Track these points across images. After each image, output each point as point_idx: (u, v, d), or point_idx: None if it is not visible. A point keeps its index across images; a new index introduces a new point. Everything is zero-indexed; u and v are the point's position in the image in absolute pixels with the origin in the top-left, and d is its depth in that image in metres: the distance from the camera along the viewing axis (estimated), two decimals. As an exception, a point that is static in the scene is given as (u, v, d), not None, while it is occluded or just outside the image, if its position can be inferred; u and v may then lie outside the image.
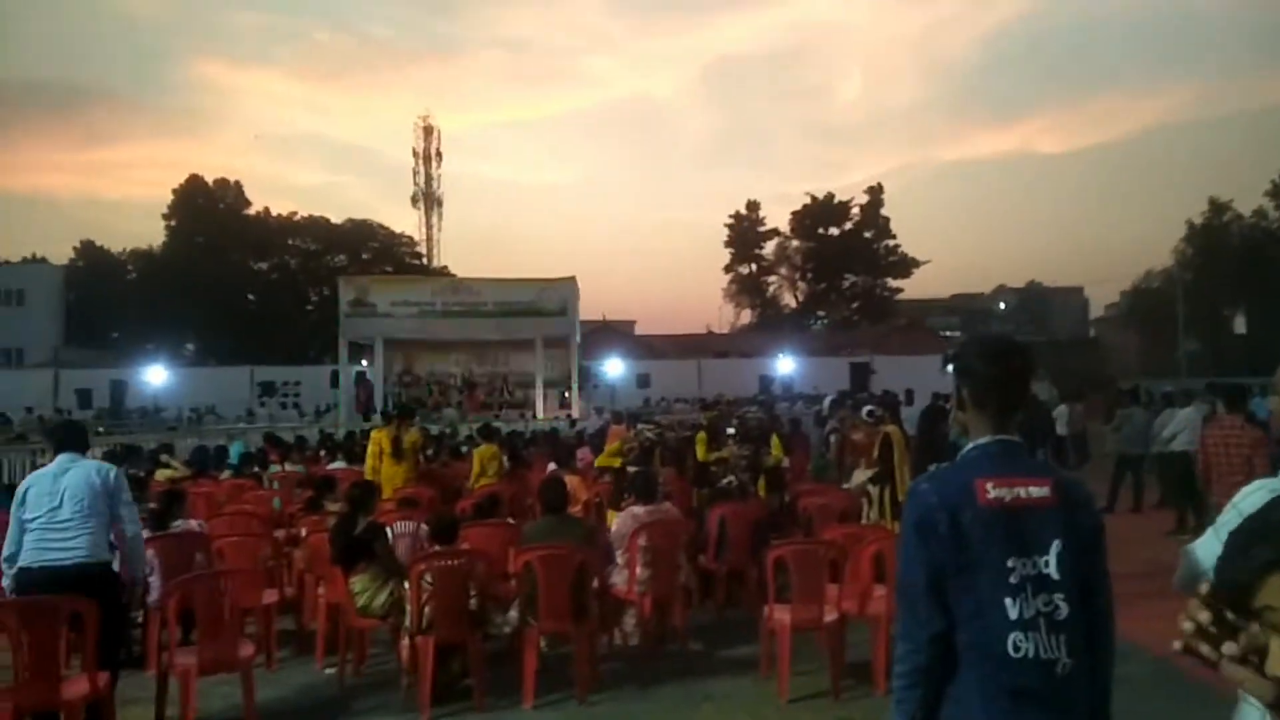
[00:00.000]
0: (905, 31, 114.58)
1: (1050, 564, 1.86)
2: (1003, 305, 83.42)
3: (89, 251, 56.38)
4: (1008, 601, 1.82)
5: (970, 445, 2.04)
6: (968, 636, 1.84)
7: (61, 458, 4.86)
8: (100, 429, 23.39)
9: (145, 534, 6.06)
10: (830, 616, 5.40)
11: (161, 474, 9.64)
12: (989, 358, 2.03)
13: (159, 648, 5.60)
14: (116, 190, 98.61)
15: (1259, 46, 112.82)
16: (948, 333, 58.65)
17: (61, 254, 57.30)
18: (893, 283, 64.74)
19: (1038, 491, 1.91)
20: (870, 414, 9.26)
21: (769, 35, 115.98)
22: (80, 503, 4.62)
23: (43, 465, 11.40)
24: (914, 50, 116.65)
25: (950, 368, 2.12)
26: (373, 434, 9.66)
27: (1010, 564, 1.84)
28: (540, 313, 24.15)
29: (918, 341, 42.24)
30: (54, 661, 4.22)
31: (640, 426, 10.10)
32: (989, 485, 1.89)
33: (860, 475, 8.75)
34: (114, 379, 31.50)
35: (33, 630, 4.14)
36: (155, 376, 31.40)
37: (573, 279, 24.94)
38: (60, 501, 4.60)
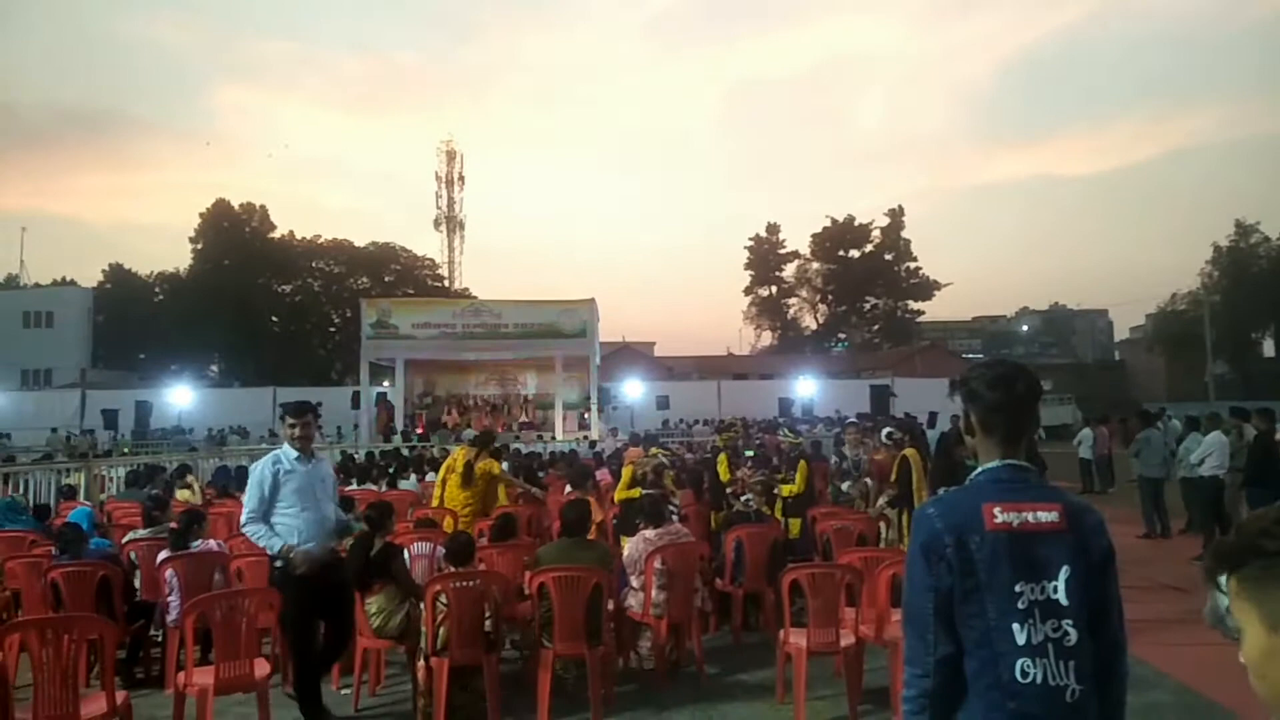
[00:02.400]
0: (928, 56, 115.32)
1: (1059, 589, 1.85)
2: (1025, 328, 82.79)
3: (117, 274, 57.30)
4: (1015, 627, 1.82)
5: (979, 469, 2.03)
6: (976, 663, 1.83)
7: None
8: (125, 449, 23.69)
9: (165, 554, 6.16)
10: (847, 641, 5.35)
11: (181, 494, 9.73)
12: (994, 383, 2.03)
13: (177, 667, 5.64)
14: (145, 214, 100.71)
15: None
16: (970, 355, 58.25)
17: (91, 277, 58.30)
18: (914, 305, 64.57)
19: (1046, 516, 1.90)
20: (889, 436, 9.22)
21: (791, 60, 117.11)
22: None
23: (68, 484, 11.56)
24: (937, 74, 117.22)
25: (956, 394, 2.12)
26: (456, 450, 9.62)
27: (1018, 589, 1.84)
28: (560, 334, 24.25)
29: (940, 364, 42.02)
30: (73, 679, 4.24)
31: (654, 450, 10.06)
32: (997, 510, 1.89)
33: (881, 499, 8.71)
34: (139, 400, 31.86)
35: (53, 648, 4.17)
36: (180, 397, 31.77)
37: (592, 301, 25.05)
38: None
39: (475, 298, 38.74)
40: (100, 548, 6.86)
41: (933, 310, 65.62)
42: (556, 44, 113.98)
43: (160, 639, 6.25)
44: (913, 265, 63.49)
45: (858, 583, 5.51)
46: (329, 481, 5.59)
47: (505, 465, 11.42)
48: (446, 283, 59.05)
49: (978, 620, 1.84)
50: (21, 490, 10.98)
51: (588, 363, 25.28)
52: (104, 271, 57.93)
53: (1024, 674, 1.80)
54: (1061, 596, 1.85)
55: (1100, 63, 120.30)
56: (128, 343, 53.39)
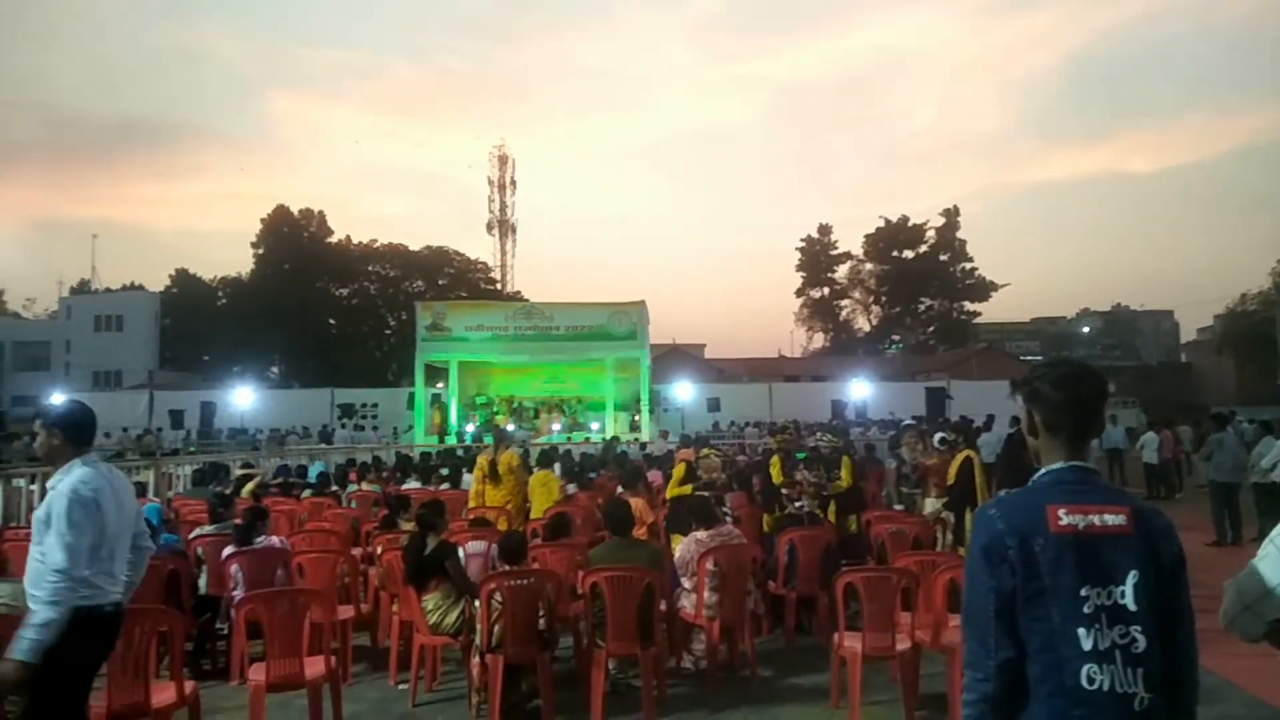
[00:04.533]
0: (985, 53, 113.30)
1: (1126, 594, 1.81)
2: (1086, 329, 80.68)
3: (183, 279, 59.06)
4: (1081, 632, 1.78)
5: (1043, 470, 2.00)
6: (1039, 668, 1.80)
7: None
8: (191, 448, 24.43)
9: (230, 549, 6.32)
10: (903, 645, 5.28)
11: (246, 490, 10.00)
12: (1059, 382, 1.99)
13: (241, 660, 5.79)
14: (209, 220, 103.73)
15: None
16: (1028, 357, 56.99)
17: (158, 281, 60.24)
18: (970, 306, 63.47)
19: (1114, 519, 1.86)
20: (943, 441, 9.08)
21: (842, 61, 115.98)
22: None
23: (138, 482, 11.97)
24: (994, 72, 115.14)
25: (1018, 394, 2.08)
26: (478, 458, 9.92)
27: (1084, 593, 1.80)
28: (611, 336, 24.35)
29: (997, 366, 41.16)
30: (144, 669, 4.38)
31: (706, 451, 10.05)
32: (1061, 512, 1.85)
33: (931, 504, 8.58)
34: (204, 400, 32.79)
35: (124, 639, 4.31)
36: (242, 398, 32.61)
37: (643, 303, 25.09)
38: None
39: (527, 300, 39.11)
40: (169, 543, 7.07)
41: (989, 311, 64.52)
42: (606, 49, 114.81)
43: (225, 632, 6.43)
44: (968, 266, 62.43)
45: (914, 587, 5.44)
46: (40, 526, 3.43)
47: (557, 467, 11.54)
48: (499, 285, 59.71)
49: (1041, 624, 1.80)
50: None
51: (638, 364, 25.33)
52: (170, 276, 59.84)
53: (1090, 680, 1.76)
54: (1129, 602, 1.80)
55: (1167, 57, 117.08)
56: (193, 345, 55.02)
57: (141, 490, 11.50)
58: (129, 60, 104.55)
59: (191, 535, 7.30)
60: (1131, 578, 1.82)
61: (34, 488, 10.73)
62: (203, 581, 6.76)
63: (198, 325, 54.09)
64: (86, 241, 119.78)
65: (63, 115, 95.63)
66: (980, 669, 1.85)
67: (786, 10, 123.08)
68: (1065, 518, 1.85)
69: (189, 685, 4.62)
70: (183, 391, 36.39)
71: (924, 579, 5.50)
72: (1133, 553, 1.84)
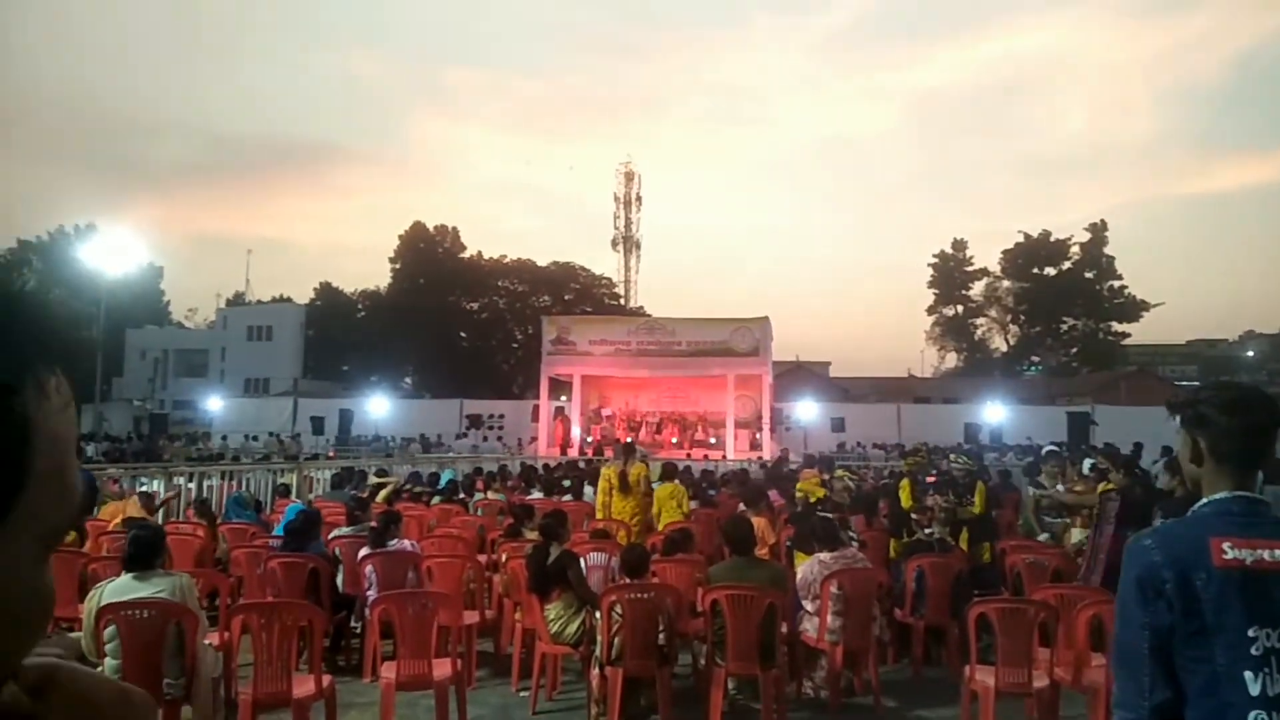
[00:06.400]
0: (1139, 56, 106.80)
1: None
2: (1251, 352, 74.60)
3: (326, 292, 62.45)
4: (1248, 675, 1.63)
5: (1204, 501, 1.85)
6: (1199, 713, 1.66)
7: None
8: (330, 454, 25.80)
9: (365, 551, 6.61)
10: (1041, 683, 4.99)
11: (382, 495, 10.43)
12: (1228, 406, 1.84)
13: (374, 657, 6.04)
14: (351, 236, 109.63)
15: None
16: (1184, 382, 53.24)
17: (304, 294, 63.83)
18: (1118, 327, 59.76)
19: (1288, 556, 1.70)
20: (1093, 468, 8.58)
21: (982, 67, 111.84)
22: None
23: (283, 484, 12.69)
24: (1150, 76, 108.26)
25: (1177, 416, 1.94)
26: (603, 470, 10.09)
27: (1252, 634, 1.65)
28: (732, 352, 24.22)
29: (1147, 391, 38.58)
30: (287, 660, 4.63)
31: (840, 472, 9.86)
32: (1226, 545, 1.71)
33: (1078, 534, 8.12)
34: (343, 408, 34.52)
35: (268, 632, 4.57)
36: (378, 407, 34.16)
37: (766, 319, 24.85)
38: None
39: (650, 315, 39.42)
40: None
41: (1140, 333, 60.42)
42: (732, 63, 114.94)
43: (359, 630, 6.71)
44: (1117, 284, 58.87)
45: (1053, 621, 5.15)
46: None
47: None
48: (622, 301, 60.45)
49: (1203, 665, 1.67)
50: (244, 487, 12.15)
51: (760, 381, 25.08)
52: (315, 289, 63.38)
53: (1258, 729, 1.62)
54: (1304, 646, 1.64)
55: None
56: (334, 355, 58.06)
57: (285, 492, 12.21)
58: (283, 84, 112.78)
59: (330, 536, 7.67)
60: (1309, 620, 1.66)
61: (191, 485, 11.57)
62: (338, 580, 7.08)
63: (339, 336, 57.07)
64: (242, 256, 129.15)
65: (222, 137, 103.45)
66: (1133, 710, 1.73)
67: (922, 16, 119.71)
68: (1230, 551, 1.70)
69: (326, 679, 4.85)
70: (324, 399, 38.41)
71: (1064, 613, 5.20)
72: (1310, 592, 1.68)
